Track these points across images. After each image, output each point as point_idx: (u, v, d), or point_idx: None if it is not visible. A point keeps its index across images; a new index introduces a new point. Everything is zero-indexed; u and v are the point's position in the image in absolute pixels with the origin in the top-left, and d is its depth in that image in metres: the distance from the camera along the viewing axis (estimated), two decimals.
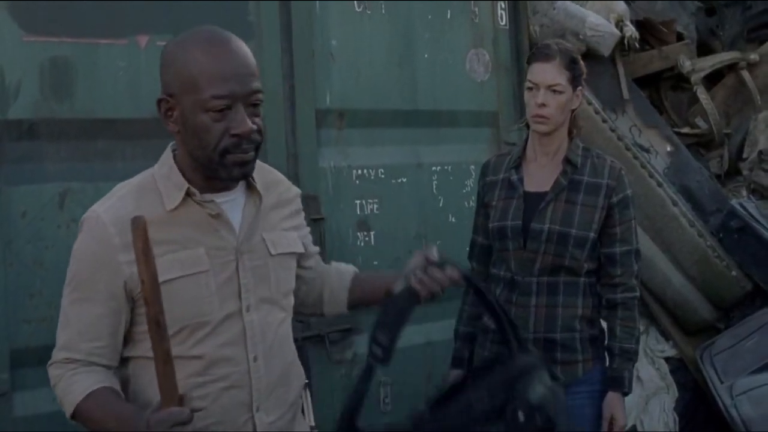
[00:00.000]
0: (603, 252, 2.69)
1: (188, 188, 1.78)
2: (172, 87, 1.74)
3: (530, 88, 2.66)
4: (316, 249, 2.18)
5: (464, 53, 3.66)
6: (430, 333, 3.37)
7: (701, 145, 4.87)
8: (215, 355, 1.79)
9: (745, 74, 4.88)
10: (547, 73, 2.64)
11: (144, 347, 1.73)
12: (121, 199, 1.79)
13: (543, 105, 2.63)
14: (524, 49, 3.83)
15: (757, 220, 4.11)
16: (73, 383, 1.76)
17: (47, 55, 2.63)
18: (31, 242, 2.59)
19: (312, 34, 3.18)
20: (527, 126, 2.83)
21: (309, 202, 2.95)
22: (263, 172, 1.95)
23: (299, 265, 2.04)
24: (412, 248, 3.23)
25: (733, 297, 4.21)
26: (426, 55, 3.52)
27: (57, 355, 1.80)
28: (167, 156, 1.84)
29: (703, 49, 5.23)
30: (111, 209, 1.77)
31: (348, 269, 2.21)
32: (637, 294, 2.73)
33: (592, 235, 2.65)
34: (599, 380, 2.69)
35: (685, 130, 4.79)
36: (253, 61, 1.76)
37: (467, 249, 2.90)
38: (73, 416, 1.76)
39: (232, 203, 1.85)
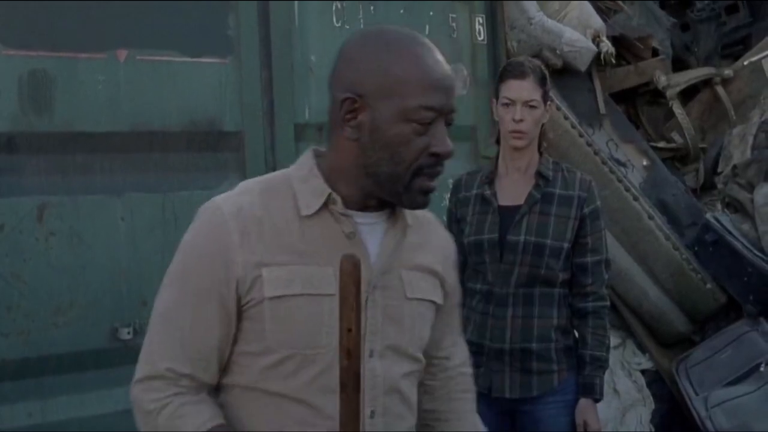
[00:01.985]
0: (575, 261, 2.73)
1: (330, 194, 1.50)
2: (363, 87, 1.48)
3: (507, 105, 2.70)
4: (463, 357, 1.75)
5: None
6: None
7: (677, 159, 4.93)
8: (318, 402, 1.46)
9: (720, 89, 4.95)
10: (523, 89, 2.68)
11: (246, 375, 1.49)
12: (246, 193, 1.53)
13: (520, 120, 2.68)
14: (502, 65, 3.85)
15: (731, 234, 4.16)
16: (184, 415, 1.45)
17: (26, 69, 2.64)
18: (9, 255, 2.58)
19: (291, 48, 3.20)
20: (497, 142, 2.87)
21: None
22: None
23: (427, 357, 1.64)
24: None
25: (708, 309, 4.25)
26: None
27: (157, 365, 1.46)
28: (307, 159, 1.59)
29: (679, 65, 5.30)
30: (234, 202, 1.50)
31: None
32: (608, 303, 2.78)
33: (566, 245, 2.69)
34: (573, 390, 2.72)
35: (661, 144, 4.85)
36: None
37: None
38: None
39: (372, 227, 1.54)
